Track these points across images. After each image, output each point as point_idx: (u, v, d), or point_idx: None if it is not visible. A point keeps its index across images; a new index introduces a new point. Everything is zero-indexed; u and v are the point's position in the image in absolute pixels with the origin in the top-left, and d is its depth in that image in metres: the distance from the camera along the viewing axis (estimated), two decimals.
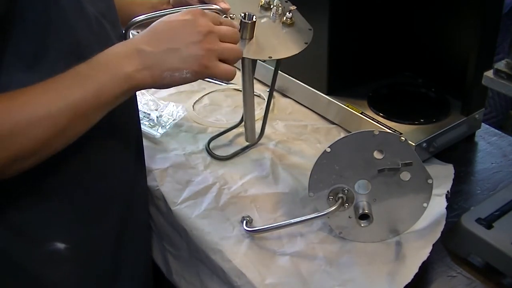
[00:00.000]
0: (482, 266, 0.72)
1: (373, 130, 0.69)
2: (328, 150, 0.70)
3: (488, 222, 0.72)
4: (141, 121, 1.00)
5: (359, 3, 0.95)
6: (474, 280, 0.70)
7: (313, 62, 0.99)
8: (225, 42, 0.68)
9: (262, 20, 0.81)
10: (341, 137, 0.71)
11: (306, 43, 0.80)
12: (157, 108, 1.05)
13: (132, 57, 0.62)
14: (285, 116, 1.05)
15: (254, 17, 0.76)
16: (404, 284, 0.67)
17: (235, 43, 0.69)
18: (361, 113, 0.96)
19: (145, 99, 1.08)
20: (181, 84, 0.66)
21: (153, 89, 1.14)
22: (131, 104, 0.80)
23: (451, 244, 0.75)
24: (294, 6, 0.81)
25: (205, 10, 0.69)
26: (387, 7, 0.99)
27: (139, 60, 0.62)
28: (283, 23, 0.81)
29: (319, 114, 1.05)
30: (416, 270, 0.69)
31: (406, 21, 1.02)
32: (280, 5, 0.81)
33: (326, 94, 1.02)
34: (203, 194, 0.85)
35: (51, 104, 0.58)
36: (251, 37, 0.76)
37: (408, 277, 0.68)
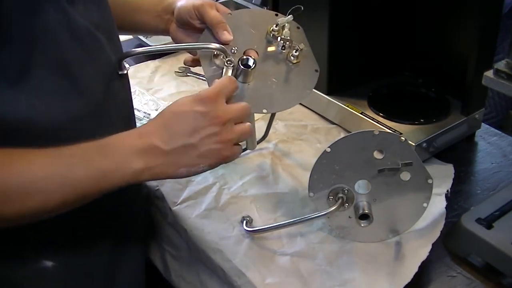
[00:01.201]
0: (482, 266, 0.72)
1: (373, 130, 0.69)
2: (328, 150, 0.70)
3: (488, 222, 0.72)
4: (141, 121, 1.00)
5: (359, 3, 0.95)
6: (474, 280, 0.70)
7: None
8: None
9: (265, 57, 0.75)
10: (341, 137, 0.71)
11: (308, 91, 0.75)
12: (157, 108, 1.05)
13: (144, 154, 0.59)
14: (285, 116, 1.05)
15: (255, 63, 0.71)
16: (404, 284, 0.67)
17: (248, 116, 0.66)
18: (361, 113, 0.96)
19: (145, 99, 1.08)
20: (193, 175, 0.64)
21: (153, 89, 1.14)
22: (127, 106, 0.78)
23: (451, 244, 0.75)
24: (303, 44, 0.75)
25: (216, 84, 0.64)
26: (387, 7, 0.99)
27: (151, 157, 0.60)
28: (288, 60, 0.75)
29: (319, 114, 1.05)
30: (416, 269, 0.69)
31: (406, 21, 1.02)
32: (288, 39, 0.75)
33: (326, 94, 1.01)
34: (203, 194, 0.85)
35: (48, 180, 0.56)
36: (250, 81, 0.72)
37: (408, 277, 0.68)
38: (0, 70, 0.58)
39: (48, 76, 0.61)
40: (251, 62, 0.71)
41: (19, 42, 0.58)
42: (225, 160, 0.64)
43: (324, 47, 0.96)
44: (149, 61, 1.27)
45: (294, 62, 0.76)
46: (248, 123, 0.66)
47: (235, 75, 0.71)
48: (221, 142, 0.62)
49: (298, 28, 0.78)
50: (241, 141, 0.66)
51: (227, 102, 0.64)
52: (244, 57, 0.71)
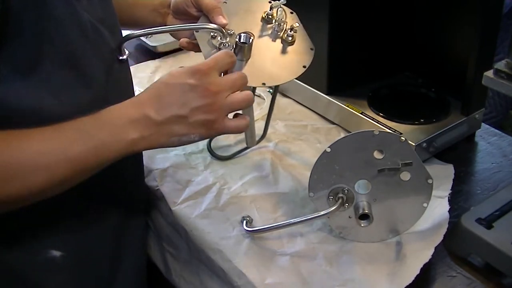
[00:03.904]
0: (482, 266, 0.72)
1: (373, 130, 0.69)
2: (328, 150, 0.70)
3: (488, 222, 0.72)
4: None
5: (359, 3, 0.95)
6: (474, 280, 0.70)
7: (313, 62, 0.99)
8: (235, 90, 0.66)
9: (262, 37, 0.77)
10: (341, 137, 0.71)
11: (304, 66, 0.76)
12: None
13: (138, 124, 0.61)
14: (285, 116, 1.05)
15: (251, 38, 0.73)
16: (405, 285, 0.67)
17: (245, 85, 0.67)
18: (361, 113, 0.96)
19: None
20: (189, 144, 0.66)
21: None
22: (130, 94, 0.79)
23: (451, 244, 0.75)
24: (297, 23, 0.77)
25: (211, 58, 0.65)
26: (387, 7, 0.99)
27: (145, 127, 0.61)
28: (284, 40, 0.77)
29: (319, 114, 1.05)
30: (417, 272, 0.68)
31: (406, 21, 1.02)
32: (282, 20, 0.77)
33: (326, 94, 1.02)
34: (203, 194, 0.85)
35: (49, 155, 0.57)
36: (248, 58, 0.74)
37: (409, 278, 0.68)
38: (11, 62, 0.59)
39: (56, 68, 0.62)
40: (247, 38, 0.73)
41: (29, 35, 0.59)
42: (217, 131, 0.66)
43: (324, 47, 0.96)
44: (149, 61, 1.27)
45: (290, 41, 0.77)
46: (248, 91, 0.67)
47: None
48: (211, 112, 0.63)
49: (291, 13, 0.80)
50: (236, 110, 0.67)
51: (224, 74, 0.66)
52: (242, 34, 0.73)
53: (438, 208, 0.78)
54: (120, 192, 0.79)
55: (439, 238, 0.73)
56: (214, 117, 0.64)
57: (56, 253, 0.70)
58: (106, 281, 0.78)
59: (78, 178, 0.61)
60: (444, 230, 0.74)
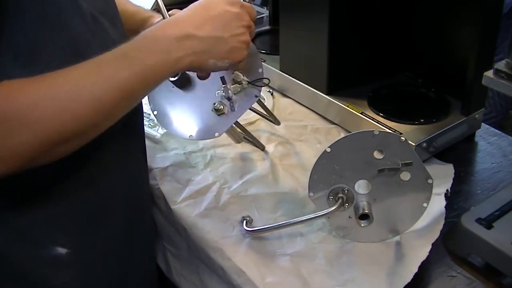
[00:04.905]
0: (482, 266, 0.72)
1: (373, 130, 0.69)
2: (328, 150, 0.70)
3: (488, 222, 0.72)
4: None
5: (359, 3, 0.95)
6: (474, 280, 0.70)
7: (313, 62, 0.99)
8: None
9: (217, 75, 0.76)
10: (341, 137, 0.71)
11: (217, 134, 0.76)
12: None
13: (182, 42, 0.63)
14: (285, 116, 1.05)
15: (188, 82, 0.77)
16: (404, 284, 0.67)
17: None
18: (361, 113, 0.96)
19: (145, 99, 1.08)
20: (217, 71, 0.70)
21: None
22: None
23: (451, 244, 0.75)
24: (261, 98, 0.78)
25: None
26: (387, 7, 0.99)
27: (189, 45, 0.64)
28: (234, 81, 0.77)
29: (319, 114, 1.05)
30: (415, 270, 0.69)
31: (406, 21, 1.02)
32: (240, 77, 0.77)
33: (326, 94, 1.02)
34: (203, 193, 0.85)
35: (95, 84, 0.58)
36: (190, 90, 0.77)
37: (408, 277, 0.68)
38: (12, 50, 0.59)
39: (58, 55, 0.62)
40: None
41: (30, 22, 0.59)
42: (243, 59, 0.70)
43: (324, 47, 0.96)
44: None
45: (238, 89, 0.77)
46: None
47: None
48: (243, 42, 0.69)
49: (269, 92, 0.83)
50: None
51: None
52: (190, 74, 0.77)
53: (435, 205, 0.78)
54: (127, 190, 0.78)
55: (435, 235, 0.74)
56: (244, 46, 0.69)
57: (62, 250, 0.70)
58: (117, 279, 0.78)
59: (125, 105, 0.62)
60: (440, 226, 0.75)
